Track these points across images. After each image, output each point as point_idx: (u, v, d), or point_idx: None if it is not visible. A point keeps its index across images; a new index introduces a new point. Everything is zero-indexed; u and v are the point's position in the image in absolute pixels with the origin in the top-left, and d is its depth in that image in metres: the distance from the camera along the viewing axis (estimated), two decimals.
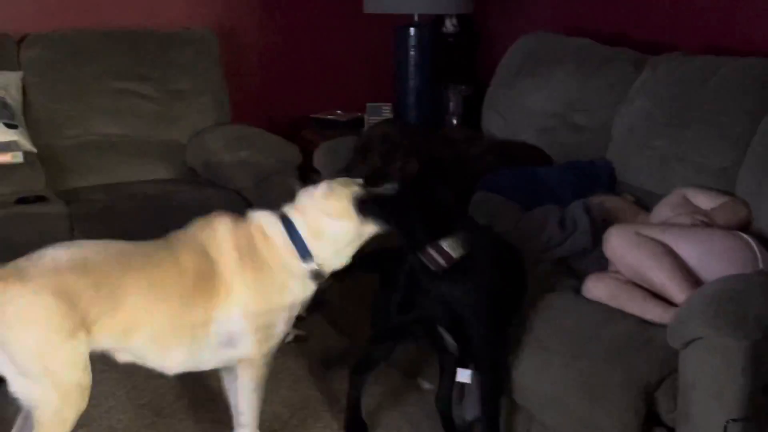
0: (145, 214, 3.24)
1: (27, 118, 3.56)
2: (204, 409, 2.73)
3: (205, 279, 2.24)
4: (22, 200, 3.27)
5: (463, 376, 2.64)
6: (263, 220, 2.36)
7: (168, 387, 2.75)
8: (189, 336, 2.21)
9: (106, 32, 3.83)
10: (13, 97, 3.54)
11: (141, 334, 2.18)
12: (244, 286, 2.27)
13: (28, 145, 3.44)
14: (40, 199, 3.31)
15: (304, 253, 2.26)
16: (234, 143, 3.62)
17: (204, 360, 2.28)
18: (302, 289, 2.35)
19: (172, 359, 2.25)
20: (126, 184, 3.61)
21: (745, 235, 2.63)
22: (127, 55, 3.81)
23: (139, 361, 2.28)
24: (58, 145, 3.63)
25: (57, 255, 2.15)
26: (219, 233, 2.32)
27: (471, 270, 2.29)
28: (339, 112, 4.38)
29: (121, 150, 3.75)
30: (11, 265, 2.11)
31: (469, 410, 2.74)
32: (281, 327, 2.35)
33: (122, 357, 2.27)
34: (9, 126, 3.42)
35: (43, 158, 3.51)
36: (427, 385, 2.93)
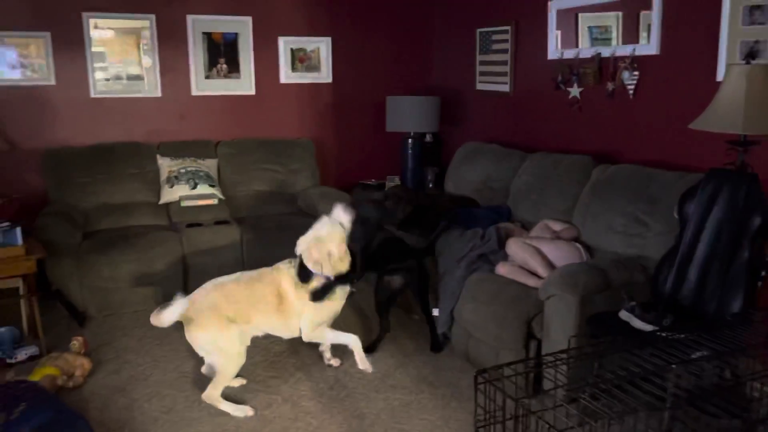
0: (277, 227, 4.68)
1: (220, 182, 5.15)
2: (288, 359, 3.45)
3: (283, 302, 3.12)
4: (218, 222, 4.66)
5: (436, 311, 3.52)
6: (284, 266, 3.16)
7: (282, 349, 3.50)
8: (284, 326, 3.21)
9: (258, 140, 5.41)
10: (213, 172, 5.13)
11: (257, 325, 3.14)
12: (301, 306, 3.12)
13: (220, 195, 5.01)
14: (225, 222, 4.68)
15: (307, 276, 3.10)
16: (321, 195, 5.04)
17: (292, 333, 3.25)
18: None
19: (281, 334, 3.27)
20: (269, 215, 5.10)
21: (576, 244, 3.55)
22: (269, 151, 5.32)
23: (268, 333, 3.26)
24: (235, 196, 5.19)
25: (209, 292, 3.07)
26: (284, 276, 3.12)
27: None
28: (373, 180, 5.84)
29: (266, 198, 5.25)
30: (184, 301, 3.04)
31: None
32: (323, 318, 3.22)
33: (260, 332, 3.24)
34: (211, 185, 5.03)
35: (228, 202, 5.06)
36: (416, 317, 3.90)
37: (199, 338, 3.02)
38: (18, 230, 3.71)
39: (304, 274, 3.07)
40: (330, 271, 3.10)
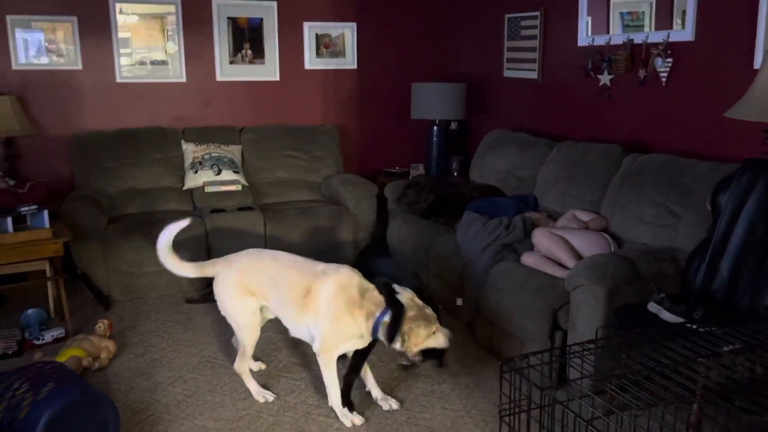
0: (300, 215, 4.70)
1: (244, 168, 5.12)
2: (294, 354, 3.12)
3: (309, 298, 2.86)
4: (241, 208, 4.64)
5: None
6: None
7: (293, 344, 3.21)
8: (296, 320, 2.95)
9: (282, 126, 5.37)
10: (237, 158, 5.09)
11: (273, 307, 3.02)
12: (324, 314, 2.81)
13: (244, 181, 4.98)
14: (249, 208, 4.65)
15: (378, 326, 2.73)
16: (344, 183, 5.03)
17: (302, 335, 2.99)
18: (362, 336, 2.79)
19: (289, 326, 3.02)
20: (291, 201, 5.10)
21: (605, 234, 3.49)
22: (292, 138, 5.30)
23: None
24: (258, 182, 5.18)
25: (243, 256, 3.06)
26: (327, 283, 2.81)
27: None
28: (397, 167, 5.86)
29: (289, 185, 5.24)
30: (224, 258, 3.08)
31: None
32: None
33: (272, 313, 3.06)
34: (235, 171, 5.00)
35: (252, 188, 5.03)
36: (459, 302, 3.73)
37: (217, 293, 3.05)
38: (45, 213, 3.78)
39: (392, 333, 2.71)
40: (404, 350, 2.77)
